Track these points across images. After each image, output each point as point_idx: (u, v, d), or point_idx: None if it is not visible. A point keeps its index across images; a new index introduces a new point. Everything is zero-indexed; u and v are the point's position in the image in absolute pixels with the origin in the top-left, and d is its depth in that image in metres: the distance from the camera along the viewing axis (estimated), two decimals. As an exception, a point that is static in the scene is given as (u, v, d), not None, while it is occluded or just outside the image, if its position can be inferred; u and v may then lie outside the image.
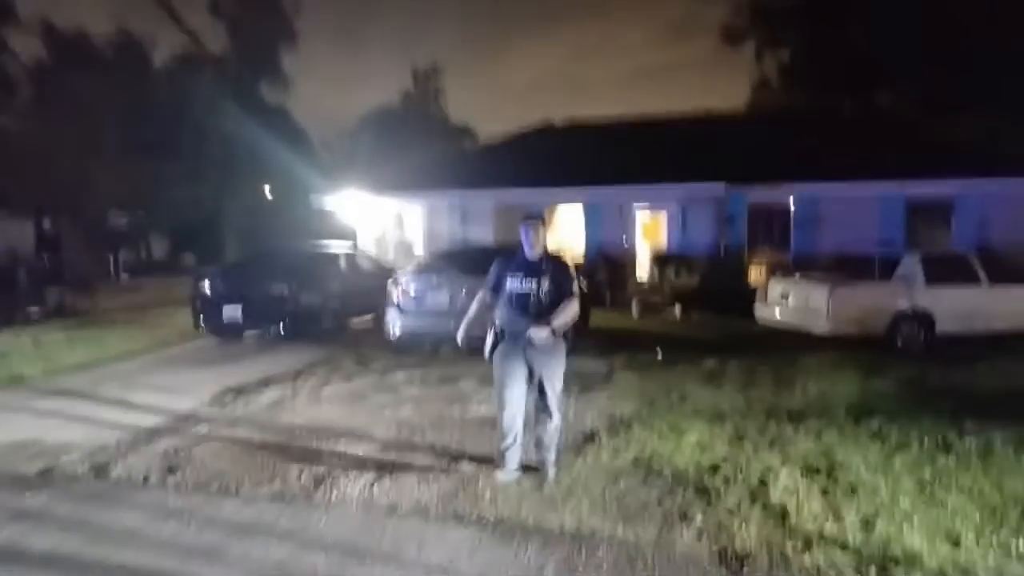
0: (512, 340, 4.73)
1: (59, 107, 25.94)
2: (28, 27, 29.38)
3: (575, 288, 4.73)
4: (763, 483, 4.82)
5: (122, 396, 7.71)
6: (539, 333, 4.54)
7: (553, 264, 4.74)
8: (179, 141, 29.47)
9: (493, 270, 4.90)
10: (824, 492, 4.64)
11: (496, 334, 4.80)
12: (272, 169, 31.72)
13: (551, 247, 4.94)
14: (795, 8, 28.01)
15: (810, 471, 5.02)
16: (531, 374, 4.80)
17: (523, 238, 4.77)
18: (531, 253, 4.76)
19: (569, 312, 4.65)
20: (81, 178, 24.31)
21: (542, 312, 4.62)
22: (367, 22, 61.64)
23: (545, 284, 4.64)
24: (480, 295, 4.92)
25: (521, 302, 4.69)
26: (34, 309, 15.36)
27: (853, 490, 4.66)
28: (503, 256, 4.93)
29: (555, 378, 4.81)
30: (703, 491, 4.71)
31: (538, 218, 4.80)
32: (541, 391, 4.82)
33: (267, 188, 32.72)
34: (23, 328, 13.45)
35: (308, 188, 21.73)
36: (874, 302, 9.93)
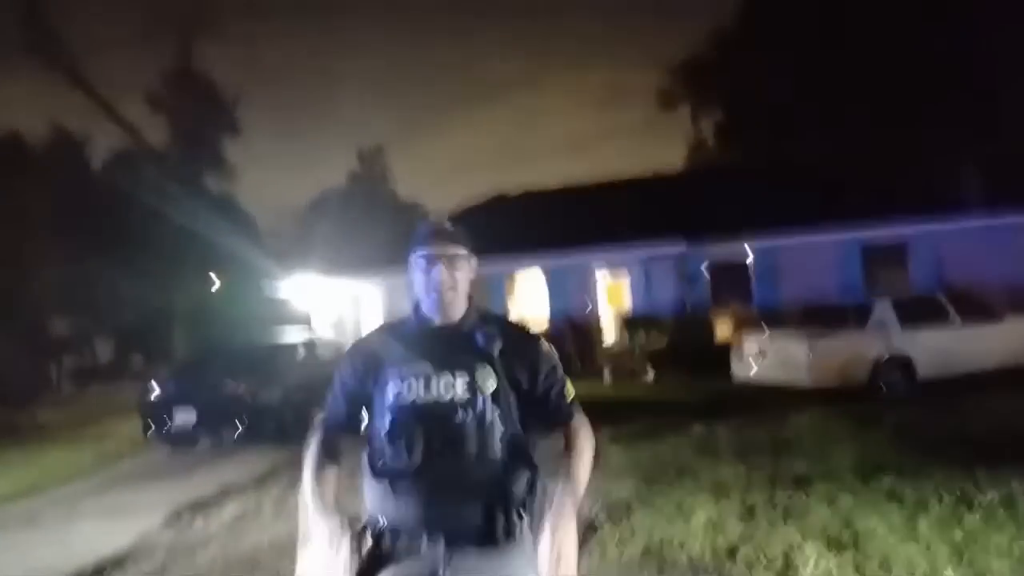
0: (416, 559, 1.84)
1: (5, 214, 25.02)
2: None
3: (568, 391, 2.06)
4: (789, 564, 4.41)
5: (64, 526, 6.94)
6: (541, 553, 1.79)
7: (508, 337, 1.99)
8: (121, 238, 28.67)
9: (346, 369, 2.05)
10: (858, 569, 4.25)
11: (370, 549, 1.87)
12: (220, 259, 31.02)
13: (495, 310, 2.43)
14: (723, 67, 28.98)
15: (835, 545, 4.63)
16: None
17: (421, 285, 2.01)
18: (443, 315, 1.99)
19: (586, 464, 2.00)
20: (17, 285, 23.30)
21: (494, 468, 1.86)
22: (308, 107, 62.21)
23: (489, 383, 1.90)
24: (314, 439, 2.04)
25: (436, 438, 1.85)
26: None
27: (887, 563, 4.28)
28: (374, 334, 2.12)
29: None
30: (728, 582, 4.27)
31: (451, 241, 2.01)
32: None
33: (215, 278, 31.90)
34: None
35: (259, 275, 21.15)
36: (853, 351, 9.79)
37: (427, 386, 1.87)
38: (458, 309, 1.98)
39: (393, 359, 1.93)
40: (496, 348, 1.93)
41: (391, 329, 2.08)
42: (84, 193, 28.31)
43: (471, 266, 2.02)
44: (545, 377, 1.99)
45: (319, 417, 2.06)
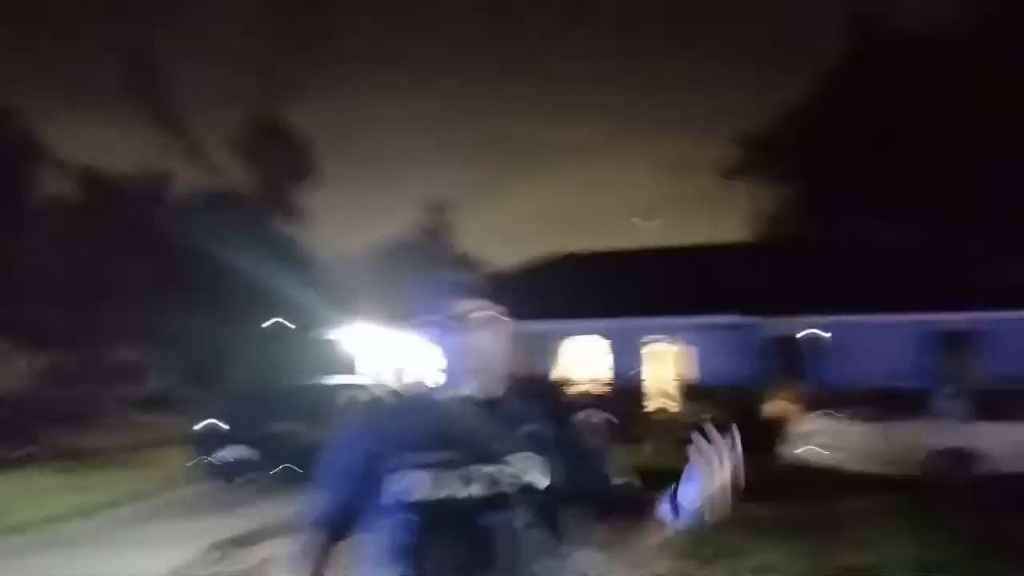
0: None
1: (77, 244, 26.41)
2: (52, 165, 30.47)
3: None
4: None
5: (101, 552, 7.10)
6: None
7: (557, 416, 1.68)
8: (188, 274, 29.79)
9: (346, 453, 1.59)
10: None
11: None
12: (281, 301, 31.85)
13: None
14: (794, 141, 28.86)
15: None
16: None
17: (461, 351, 1.61)
18: (484, 389, 1.60)
19: None
20: (90, 312, 24.35)
21: None
22: (381, 158, 64.14)
23: (537, 476, 1.53)
24: (301, 544, 1.58)
25: (461, 548, 1.45)
26: (29, 449, 14.79)
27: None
28: (383, 407, 1.84)
29: None
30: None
31: (494, 300, 1.66)
32: None
33: (275, 320, 32.72)
34: (18, 469, 12.86)
35: (318, 320, 21.60)
36: (913, 439, 9.38)
37: (453, 480, 1.46)
38: (501, 382, 1.59)
39: (408, 442, 1.50)
40: (546, 429, 1.58)
41: (405, 403, 1.70)
42: (158, 228, 29.61)
43: (507, 332, 1.63)
44: (593, 457, 1.68)
45: (308, 514, 1.57)
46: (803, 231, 27.42)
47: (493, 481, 1.47)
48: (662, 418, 15.21)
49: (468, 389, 1.57)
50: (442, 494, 1.45)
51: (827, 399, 12.67)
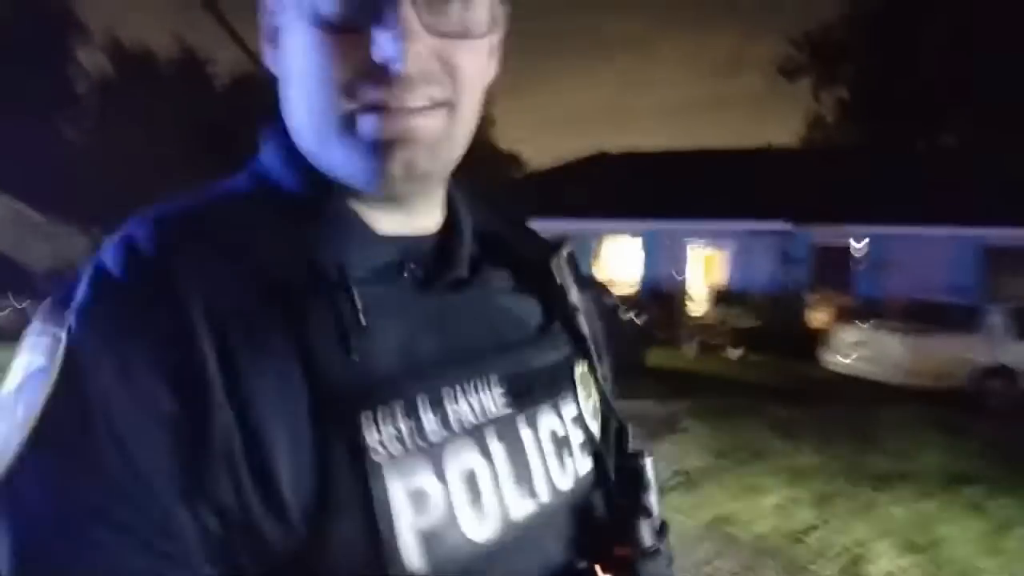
0: None
1: (120, 120, 26.62)
2: (94, 42, 30.36)
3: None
4: (858, 558, 4.35)
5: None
6: None
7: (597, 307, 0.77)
8: (231, 156, 30.03)
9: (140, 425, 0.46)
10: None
11: None
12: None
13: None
14: (856, 40, 27.38)
15: (909, 548, 4.53)
16: None
17: (329, 76, 0.53)
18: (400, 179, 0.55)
19: None
20: (137, 190, 24.79)
21: None
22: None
23: (592, 408, 0.67)
24: None
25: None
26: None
27: (963, 574, 4.17)
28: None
29: None
30: (791, 566, 4.25)
31: None
32: None
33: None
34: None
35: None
36: (955, 355, 9.31)
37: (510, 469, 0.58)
38: (450, 167, 0.62)
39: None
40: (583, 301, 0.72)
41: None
42: (202, 110, 29.65)
43: (499, 25, 0.62)
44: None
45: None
46: (853, 138, 26.43)
47: (569, 446, 0.64)
48: (704, 323, 15.28)
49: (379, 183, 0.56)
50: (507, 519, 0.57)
51: (871, 310, 12.58)
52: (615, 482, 0.65)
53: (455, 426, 0.54)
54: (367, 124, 0.52)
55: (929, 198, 15.44)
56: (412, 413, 0.52)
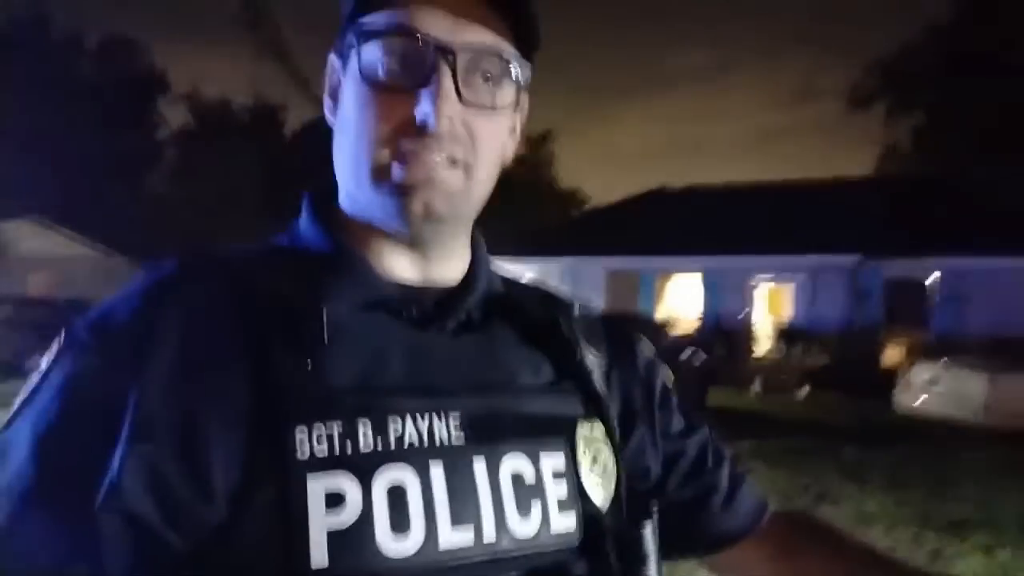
0: None
1: (200, 171, 27.96)
2: (176, 97, 32.08)
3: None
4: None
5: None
6: None
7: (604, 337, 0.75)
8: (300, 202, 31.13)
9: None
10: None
11: None
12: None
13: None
14: (930, 67, 26.66)
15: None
16: None
17: (366, 126, 0.63)
18: (420, 229, 0.64)
19: None
20: (213, 238, 25.87)
21: None
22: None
23: (610, 469, 0.68)
24: None
25: None
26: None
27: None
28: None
29: None
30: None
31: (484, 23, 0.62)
32: None
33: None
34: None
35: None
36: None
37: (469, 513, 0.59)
38: (464, 220, 0.69)
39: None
40: (601, 361, 0.73)
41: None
42: (276, 157, 30.86)
43: (522, 111, 0.71)
44: (680, 434, 0.80)
45: None
46: (926, 167, 25.60)
47: (546, 498, 0.63)
48: (770, 362, 14.88)
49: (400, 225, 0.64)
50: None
51: (947, 347, 12.04)
52: (615, 550, 0.65)
53: (393, 444, 0.57)
54: (397, 170, 0.62)
55: (1006, 228, 14.78)
56: (350, 426, 0.56)
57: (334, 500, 0.54)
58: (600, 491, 0.65)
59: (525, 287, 0.77)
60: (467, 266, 0.71)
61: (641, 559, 0.65)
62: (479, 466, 0.60)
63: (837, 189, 19.19)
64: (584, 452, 0.65)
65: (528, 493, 0.61)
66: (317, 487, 0.54)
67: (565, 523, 0.62)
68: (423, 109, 0.60)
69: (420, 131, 0.60)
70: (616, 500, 0.67)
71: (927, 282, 14.95)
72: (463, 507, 0.58)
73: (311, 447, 0.55)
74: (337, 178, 0.69)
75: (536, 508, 0.61)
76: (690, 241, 16.26)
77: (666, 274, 16.86)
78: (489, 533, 0.59)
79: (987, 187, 18.40)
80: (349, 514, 0.54)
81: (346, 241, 0.66)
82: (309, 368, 0.56)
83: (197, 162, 29.04)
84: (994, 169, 23.16)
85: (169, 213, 25.80)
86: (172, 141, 31.97)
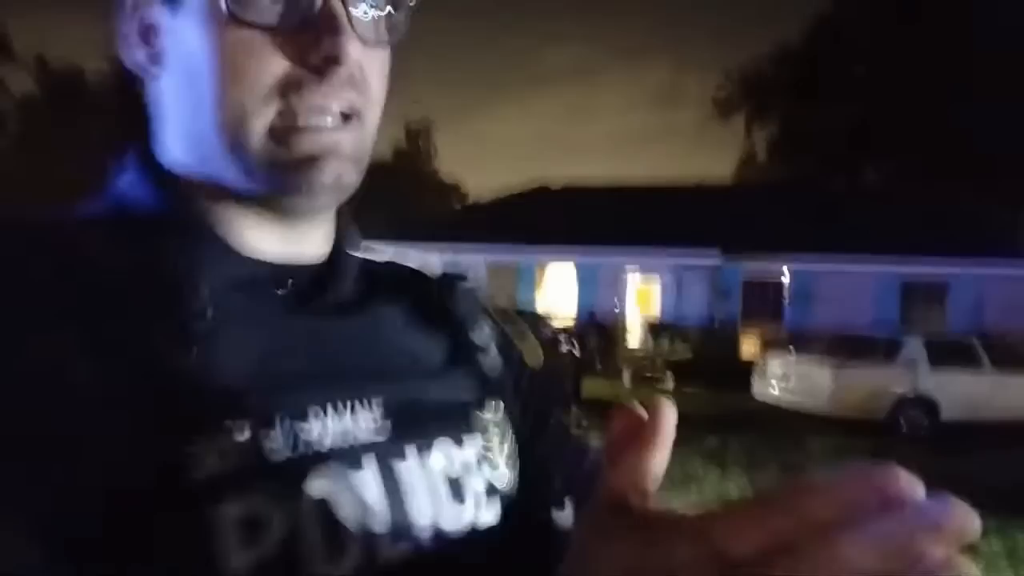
0: None
1: (49, 142, 25.79)
2: (21, 63, 29.42)
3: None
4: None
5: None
6: None
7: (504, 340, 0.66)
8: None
9: None
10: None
11: None
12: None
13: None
14: (785, 81, 28.60)
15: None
16: None
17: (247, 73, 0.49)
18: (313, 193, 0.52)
19: None
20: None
21: None
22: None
23: (505, 449, 0.60)
24: None
25: None
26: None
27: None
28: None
29: None
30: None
31: None
32: None
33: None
34: None
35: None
36: (877, 384, 9.67)
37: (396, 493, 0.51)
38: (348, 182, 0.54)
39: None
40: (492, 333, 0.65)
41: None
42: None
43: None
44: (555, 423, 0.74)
45: None
46: (788, 174, 27.51)
47: (466, 485, 0.57)
48: (640, 354, 15.49)
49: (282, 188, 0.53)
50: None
51: (797, 342, 12.95)
52: (526, 538, 0.58)
53: (314, 446, 0.47)
54: (298, 135, 0.50)
55: (850, 234, 16.13)
56: (260, 429, 0.45)
57: (250, 527, 0.43)
58: (512, 474, 0.60)
59: (390, 263, 0.65)
60: (331, 240, 0.60)
61: (561, 542, 0.53)
62: (412, 460, 0.52)
63: (700, 192, 20.28)
64: (494, 439, 0.59)
65: (457, 484, 0.54)
66: (228, 513, 0.42)
67: (492, 511, 0.56)
68: (325, 48, 0.48)
69: (317, 78, 0.49)
70: (526, 483, 0.61)
71: (781, 281, 16.06)
72: (401, 511, 0.50)
73: (213, 463, 0.43)
74: (165, 135, 0.55)
75: (469, 499, 0.54)
76: (566, 236, 16.67)
77: (543, 267, 17.19)
78: (430, 534, 0.51)
79: (834, 196, 19.99)
80: (271, 542, 0.43)
81: (194, 210, 0.53)
82: (193, 357, 0.44)
83: (45, 133, 26.77)
84: (840, 179, 25.20)
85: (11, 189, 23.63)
86: (14, 110, 29.27)
